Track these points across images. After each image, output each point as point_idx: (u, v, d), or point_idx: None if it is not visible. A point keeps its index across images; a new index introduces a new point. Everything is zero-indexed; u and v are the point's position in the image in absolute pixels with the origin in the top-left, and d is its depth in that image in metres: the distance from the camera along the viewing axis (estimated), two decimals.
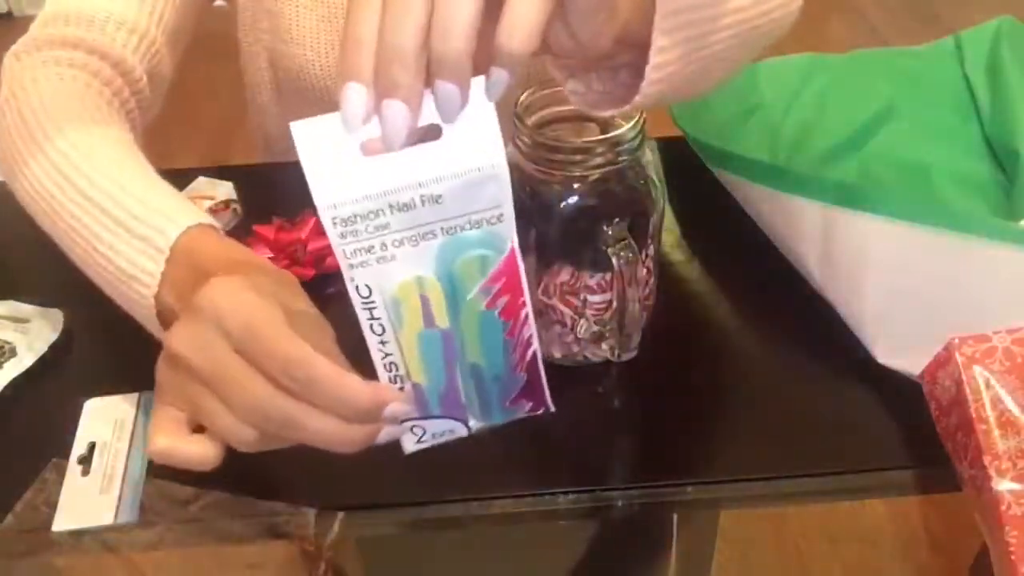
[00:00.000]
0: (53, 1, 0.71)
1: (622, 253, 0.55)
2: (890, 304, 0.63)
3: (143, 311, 0.53)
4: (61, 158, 0.58)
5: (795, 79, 0.85)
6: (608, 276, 0.59)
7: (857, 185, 0.68)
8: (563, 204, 0.57)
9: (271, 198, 0.84)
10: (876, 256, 0.63)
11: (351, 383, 0.42)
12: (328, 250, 0.72)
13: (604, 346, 0.62)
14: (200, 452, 0.45)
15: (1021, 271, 0.59)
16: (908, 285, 0.62)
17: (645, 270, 0.62)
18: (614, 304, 0.59)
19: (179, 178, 0.80)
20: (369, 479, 0.59)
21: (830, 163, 0.76)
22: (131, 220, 0.54)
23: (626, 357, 0.63)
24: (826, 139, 0.77)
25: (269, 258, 0.71)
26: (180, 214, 0.54)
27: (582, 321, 0.61)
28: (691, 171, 0.79)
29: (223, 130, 2.48)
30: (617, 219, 0.56)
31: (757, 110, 0.83)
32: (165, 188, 0.58)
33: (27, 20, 0.79)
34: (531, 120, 0.57)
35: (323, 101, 0.88)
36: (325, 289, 0.73)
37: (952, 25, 0.85)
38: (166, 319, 0.52)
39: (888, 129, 0.78)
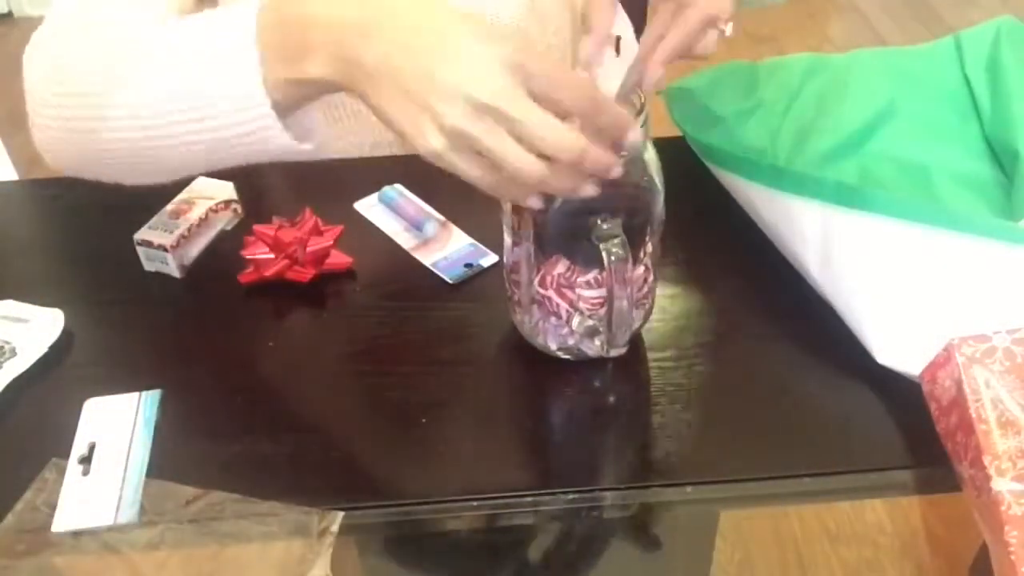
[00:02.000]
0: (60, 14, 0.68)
1: (613, 250, 0.55)
2: (890, 304, 0.63)
3: (269, 130, 0.56)
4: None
5: (795, 79, 0.85)
6: (602, 272, 0.59)
7: (857, 185, 0.68)
8: (563, 202, 0.57)
9: (271, 198, 0.84)
10: (876, 256, 0.63)
11: (616, 106, 0.53)
12: (327, 250, 0.72)
13: (596, 341, 0.63)
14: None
15: (1021, 271, 0.59)
16: (908, 285, 0.62)
17: (643, 268, 0.62)
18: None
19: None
20: (369, 479, 0.59)
21: (830, 163, 0.76)
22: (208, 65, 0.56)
23: (614, 353, 0.63)
24: (826, 139, 0.77)
25: (268, 258, 0.71)
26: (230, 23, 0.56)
27: (576, 315, 0.62)
28: (691, 171, 0.80)
29: None
30: (612, 215, 0.57)
31: (757, 110, 0.83)
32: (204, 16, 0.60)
33: (27, 20, 0.79)
34: None
35: None
36: (325, 288, 0.73)
37: (952, 25, 0.85)
38: (292, 94, 0.55)
39: (888, 129, 0.78)
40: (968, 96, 0.80)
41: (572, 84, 0.50)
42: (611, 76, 0.65)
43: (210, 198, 0.78)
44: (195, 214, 0.76)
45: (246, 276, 0.72)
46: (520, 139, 0.49)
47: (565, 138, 0.49)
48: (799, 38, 2.80)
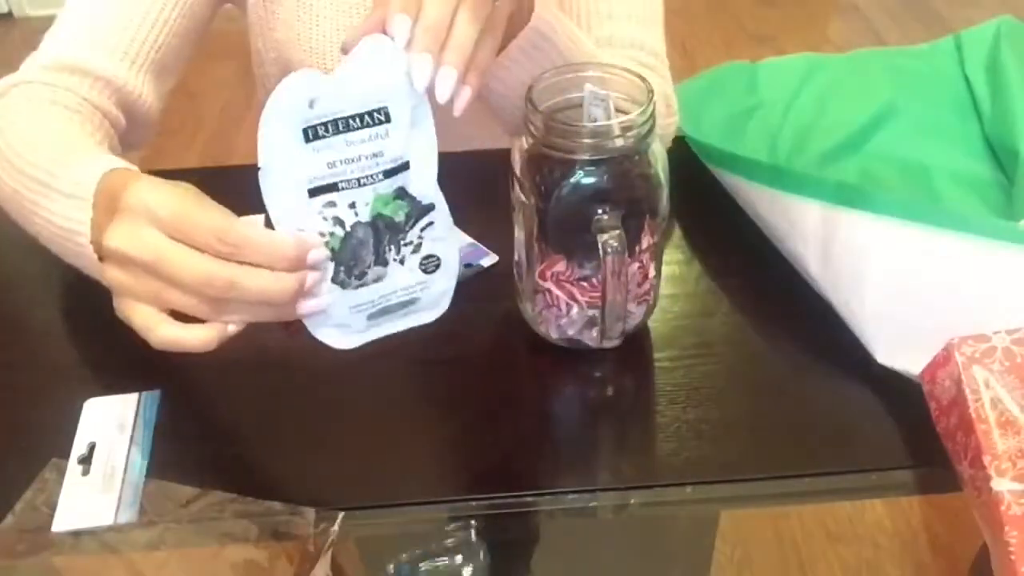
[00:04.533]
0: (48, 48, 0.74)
1: (611, 242, 0.56)
2: (890, 304, 0.63)
3: (86, 261, 0.57)
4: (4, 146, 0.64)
5: (795, 79, 0.85)
6: (599, 269, 0.60)
7: (857, 185, 0.68)
8: (567, 188, 0.57)
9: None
10: (876, 256, 0.63)
11: (276, 235, 0.49)
12: None
13: (594, 332, 0.63)
14: (201, 335, 0.51)
15: (1021, 271, 0.59)
16: (908, 285, 0.62)
17: (648, 263, 0.62)
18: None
19: (179, 178, 0.79)
20: (369, 479, 0.59)
21: (830, 163, 0.76)
22: (56, 180, 0.59)
23: (608, 345, 0.64)
24: (826, 139, 0.77)
25: None
26: (96, 163, 0.58)
27: (575, 307, 0.62)
28: (691, 171, 0.79)
29: (223, 130, 2.48)
30: (615, 206, 0.57)
31: (757, 110, 0.83)
32: (84, 144, 0.65)
33: (27, 20, 0.79)
34: (544, 105, 0.58)
35: None
36: None
37: (952, 25, 0.86)
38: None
39: (888, 129, 0.78)
40: (968, 96, 0.80)
41: (199, 227, 0.48)
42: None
43: None
44: None
45: None
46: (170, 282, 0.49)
47: (201, 273, 0.48)
48: (799, 38, 2.80)
